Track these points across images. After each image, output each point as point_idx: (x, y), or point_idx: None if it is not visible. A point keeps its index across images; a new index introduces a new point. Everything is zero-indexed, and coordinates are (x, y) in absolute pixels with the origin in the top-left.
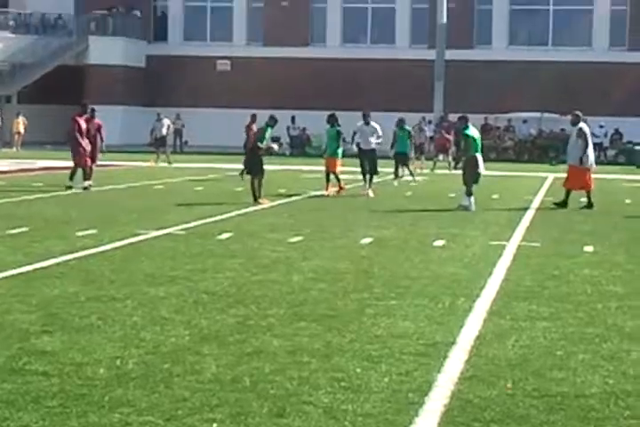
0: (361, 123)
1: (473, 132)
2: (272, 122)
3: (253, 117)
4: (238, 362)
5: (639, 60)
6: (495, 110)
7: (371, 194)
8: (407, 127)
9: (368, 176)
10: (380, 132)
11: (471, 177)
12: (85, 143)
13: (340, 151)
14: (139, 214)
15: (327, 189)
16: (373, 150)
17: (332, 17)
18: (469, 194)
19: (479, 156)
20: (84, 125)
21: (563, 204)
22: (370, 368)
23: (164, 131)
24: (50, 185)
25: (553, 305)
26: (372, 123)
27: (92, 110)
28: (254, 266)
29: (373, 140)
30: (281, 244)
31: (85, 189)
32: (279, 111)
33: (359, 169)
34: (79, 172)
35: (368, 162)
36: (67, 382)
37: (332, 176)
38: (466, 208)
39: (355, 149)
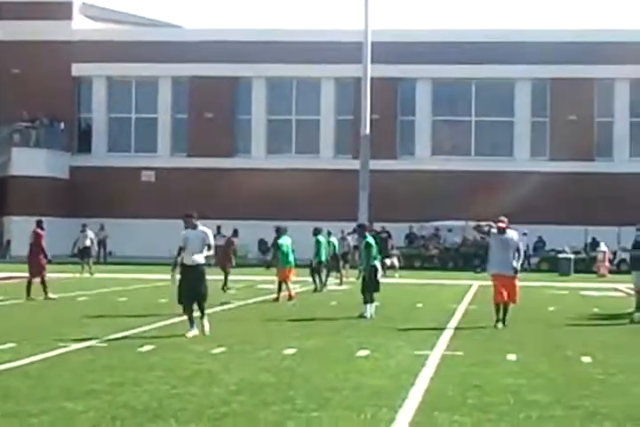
0: (187, 229)
1: (371, 240)
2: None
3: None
4: None
5: (559, 170)
6: (420, 219)
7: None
8: (321, 237)
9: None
10: (211, 240)
11: (372, 285)
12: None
13: (292, 261)
14: (60, 327)
15: (289, 296)
16: (201, 267)
17: (257, 128)
18: (366, 302)
19: (378, 263)
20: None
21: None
22: None
23: (87, 242)
24: None
25: (475, 415)
26: (202, 227)
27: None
28: (175, 378)
29: (202, 254)
30: (203, 355)
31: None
32: (202, 221)
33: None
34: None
35: (194, 283)
36: None
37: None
38: (362, 316)
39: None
